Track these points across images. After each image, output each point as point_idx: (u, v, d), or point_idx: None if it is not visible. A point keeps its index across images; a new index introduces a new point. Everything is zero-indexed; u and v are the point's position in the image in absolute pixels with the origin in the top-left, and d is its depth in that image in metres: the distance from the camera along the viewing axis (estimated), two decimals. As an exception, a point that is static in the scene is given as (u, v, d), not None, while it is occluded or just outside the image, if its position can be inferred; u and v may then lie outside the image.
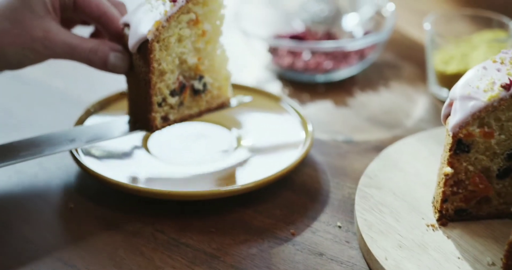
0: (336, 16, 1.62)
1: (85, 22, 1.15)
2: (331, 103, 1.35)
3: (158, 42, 1.05)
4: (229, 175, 1.09)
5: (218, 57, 1.14)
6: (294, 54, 1.43)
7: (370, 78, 1.43)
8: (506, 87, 0.93)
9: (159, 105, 1.10)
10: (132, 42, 1.05)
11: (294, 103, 1.24)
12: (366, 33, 1.53)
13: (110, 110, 1.22)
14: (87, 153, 1.11)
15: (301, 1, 1.64)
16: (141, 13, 1.06)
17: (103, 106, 1.22)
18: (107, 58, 1.07)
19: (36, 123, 1.27)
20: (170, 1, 1.06)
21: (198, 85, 1.13)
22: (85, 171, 1.07)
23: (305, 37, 1.48)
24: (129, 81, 1.13)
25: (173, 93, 1.10)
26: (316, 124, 1.25)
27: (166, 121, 1.12)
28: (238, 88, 1.24)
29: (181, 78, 1.11)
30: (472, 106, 0.93)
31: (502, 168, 0.97)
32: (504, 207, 1.00)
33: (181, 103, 1.12)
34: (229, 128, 1.21)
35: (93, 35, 1.16)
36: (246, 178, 1.07)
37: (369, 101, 1.36)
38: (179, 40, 1.09)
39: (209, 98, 1.15)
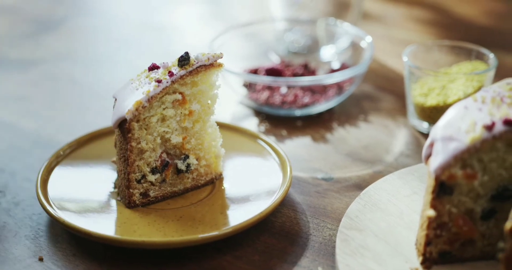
0: (313, 46, 1.60)
1: None
2: (309, 138, 1.32)
3: (138, 121, 1.03)
4: (206, 220, 1.05)
5: (209, 135, 1.11)
6: (271, 88, 1.40)
7: (349, 111, 1.41)
8: (488, 128, 0.90)
9: (138, 181, 1.07)
10: (113, 118, 1.05)
11: (272, 140, 1.20)
12: (343, 64, 1.51)
13: (81, 153, 1.18)
14: (61, 207, 1.05)
15: (277, 32, 1.62)
16: (128, 90, 1.05)
17: (73, 149, 1.18)
18: None
19: (7, 167, 1.23)
20: (156, 81, 1.03)
21: (181, 165, 1.09)
22: (57, 221, 1.02)
23: (282, 70, 1.45)
24: (117, 153, 1.10)
25: (154, 171, 1.07)
26: (294, 161, 1.22)
27: (146, 197, 1.08)
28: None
29: (164, 155, 1.08)
30: (454, 148, 0.91)
31: (486, 210, 0.95)
32: (489, 248, 0.97)
33: (163, 180, 1.09)
34: None
35: None
36: (223, 222, 1.04)
37: (348, 136, 1.33)
38: (162, 119, 1.06)
39: (196, 176, 1.12)
